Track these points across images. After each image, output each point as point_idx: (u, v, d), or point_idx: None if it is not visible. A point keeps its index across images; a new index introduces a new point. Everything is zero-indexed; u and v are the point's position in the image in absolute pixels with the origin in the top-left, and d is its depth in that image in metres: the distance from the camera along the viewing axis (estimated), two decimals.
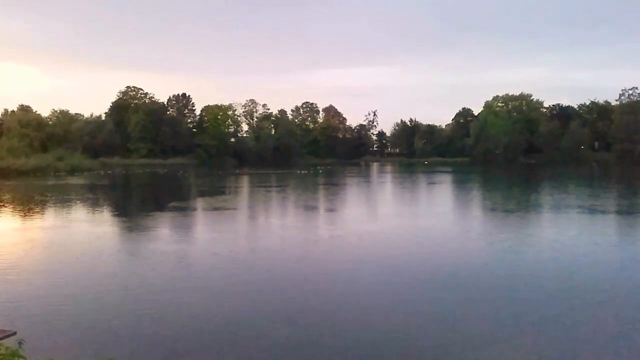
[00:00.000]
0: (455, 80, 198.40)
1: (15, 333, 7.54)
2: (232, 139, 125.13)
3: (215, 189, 44.84)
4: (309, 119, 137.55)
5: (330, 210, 29.13)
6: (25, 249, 17.12)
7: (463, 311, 10.31)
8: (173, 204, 31.30)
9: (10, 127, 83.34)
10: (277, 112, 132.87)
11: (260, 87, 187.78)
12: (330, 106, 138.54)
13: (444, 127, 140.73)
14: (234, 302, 11.08)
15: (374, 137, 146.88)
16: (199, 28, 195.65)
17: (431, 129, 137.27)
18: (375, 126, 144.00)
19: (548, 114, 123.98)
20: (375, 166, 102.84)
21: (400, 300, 11.15)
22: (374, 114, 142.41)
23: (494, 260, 15.16)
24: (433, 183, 51.98)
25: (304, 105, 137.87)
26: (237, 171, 74.70)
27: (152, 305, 10.75)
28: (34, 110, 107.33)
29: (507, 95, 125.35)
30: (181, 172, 73.30)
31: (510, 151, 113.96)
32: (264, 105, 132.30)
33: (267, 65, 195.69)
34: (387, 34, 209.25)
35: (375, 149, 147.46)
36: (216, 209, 28.92)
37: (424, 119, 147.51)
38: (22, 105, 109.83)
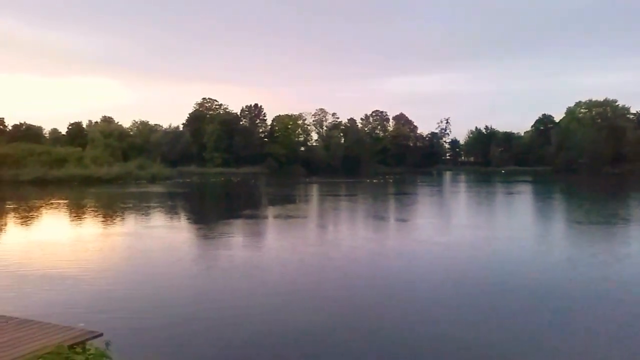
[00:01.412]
0: (534, 86, 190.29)
1: (102, 334, 7.66)
2: (302, 148, 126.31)
3: (286, 197, 44.90)
4: (379, 127, 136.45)
5: (402, 220, 28.07)
6: (109, 253, 17.69)
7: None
8: (246, 211, 31.47)
9: (94, 138, 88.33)
10: (347, 120, 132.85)
11: (330, 96, 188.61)
12: (401, 114, 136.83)
13: (522, 134, 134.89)
14: (307, 311, 10.93)
15: (447, 146, 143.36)
16: (270, 40, 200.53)
17: (508, 137, 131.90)
18: (448, 134, 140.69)
19: (635, 121, 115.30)
20: (448, 175, 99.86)
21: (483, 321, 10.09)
22: (447, 122, 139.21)
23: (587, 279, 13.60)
24: (512, 193, 49.29)
25: (374, 114, 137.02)
26: (307, 180, 74.93)
27: (227, 311, 10.91)
28: (116, 122, 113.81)
29: (590, 100, 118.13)
30: (253, 180, 74.55)
31: (594, 160, 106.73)
32: (333, 114, 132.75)
33: (337, 74, 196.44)
34: (461, 39, 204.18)
35: (448, 157, 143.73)
36: (287, 217, 28.77)
37: (501, 126, 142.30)
38: (105, 116, 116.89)
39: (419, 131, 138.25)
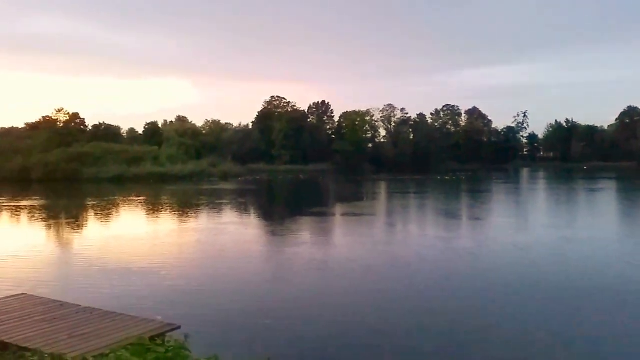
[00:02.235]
0: (618, 76, 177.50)
1: (179, 327, 7.87)
2: (370, 145, 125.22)
3: (353, 194, 44.64)
4: (450, 122, 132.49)
5: (476, 219, 27.03)
6: (184, 248, 18.33)
7: None
8: (314, 209, 31.55)
9: (169, 137, 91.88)
10: (416, 116, 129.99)
11: (399, 91, 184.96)
12: (474, 108, 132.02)
13: (606, 127, 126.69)
14: (375, 311, 10.73)
15: (524, 140, 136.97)
16: (337, 36, 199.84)
17: (591, 130, 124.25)
18: (525, 128, 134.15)
19: None
20: (525, 172, 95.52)
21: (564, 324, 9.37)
22: (524, 115, 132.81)
23: None
24: (595, 191, 46.23)
25: (445, 108, 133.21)
26: (375, 177, 74.25)
27: (298, 305, 10.96)
28: (189, 121, 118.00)
29: None
30: (321, 177, 74.86)
31: None
32: (402, 110, 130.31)
33: (406, 68, 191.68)
34: (539, 27, 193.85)
35: (525, 153, 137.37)
36: (354, 214, 28.55)
37: (582, 119, 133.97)
38: (179, 116, 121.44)
39: (493, 126, 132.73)
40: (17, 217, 28.19)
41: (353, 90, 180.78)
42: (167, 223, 25.81)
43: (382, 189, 53.49)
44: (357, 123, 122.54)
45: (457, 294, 12.01)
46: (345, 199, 40.13)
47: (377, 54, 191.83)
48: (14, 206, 33.01)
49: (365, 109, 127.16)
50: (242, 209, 33.39)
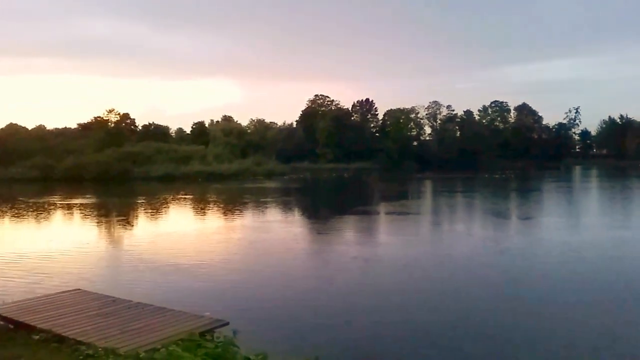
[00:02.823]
0: None
1: (228, 323, 7.98)
2: (415, 143, 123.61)
3: (398, 193, 44.12)
4: (499, 118, 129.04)
5: (525, 218, 26.15)
6: (231, 246, 18.56)
7: None
8: (358, 207, 31.35)
9: (216, 136, 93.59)
10: (463, 112, 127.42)
11: (445, 87, 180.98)
12: (523, 104, 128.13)
13: None
14: (421, 311, 10.49)
15: (576, 137, 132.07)
16: (380, 33, 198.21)
17: None
18: (577, 125, 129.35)
19: None
20: (577, 170, 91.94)
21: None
22: (576, 111, 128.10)
23: None
24: None
25: (493, 105, 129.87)
26: (420, 175, 73.20)
27: (345, 306, 10.83)
28: (235, 120, 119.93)
29: None
30: (364, 176, 74.46)
31: None
32: (448, 107, 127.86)
33: (452, 64, 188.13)
34: (588, 20, 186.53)
35: (577, 150, 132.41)
36: (399, 213, 28.19)
37: (638, 115, 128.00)
38: (225, 115, 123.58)
39: (544, 122, 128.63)
40: (70, 215, 29.32)
41: (397, 88, 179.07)
42: (213, 221, 26.23)
43: (428, 187, 52.66)
44: (401, 121, 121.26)
45: (503, 294, 11.62)
46: (389, 197, 39.72)
47: (421, 50, 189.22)
48: (67, 204, 34.37)
49: (410, 107, 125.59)
50: (287, 207, 33.57)
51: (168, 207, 33.03)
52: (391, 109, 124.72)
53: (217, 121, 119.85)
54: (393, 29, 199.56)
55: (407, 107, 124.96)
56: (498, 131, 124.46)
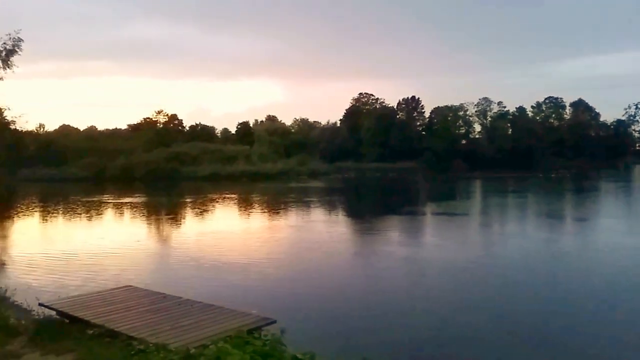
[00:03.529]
0: None
1: (275, 321, 7.91)
2: (463, 141, 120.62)
3: (445, 193, 43.20)
4: (553, 115, 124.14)
5: (580, 219, 25.05)
6: (276, 245, 18.72)
7: None
8: (404, 208, 30.87)
9: (260, 136, 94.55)
10: (515, 109, 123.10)
11: (495, 83, 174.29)
12: (580, 100, 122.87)
13: None
14: (470, 314, 10.16)
15: (636, 135, 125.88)
16: (426, 29, 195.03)
17: None
18: (637, 121, 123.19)
19: None
20: (638, 169, 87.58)
21: None
22: (636, 107, 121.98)
23: None
24: None
25: (547, 101, 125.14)
26: (469, 175, 71.56)
27: (392, 307, 10.70)
28: (279, 120, 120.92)
29: None
30: (410, 175, 73.47)
31: None
32: (499, 103, 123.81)
33: (502, 60, 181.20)
34: None
35: (637, 148, 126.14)
36: (446, 214, 27.54)
37: None
38: (269, 115, 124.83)
39: (601, 119, 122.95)
40: (121, 213, 30.23)
41: (445, 85, 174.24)
42: (259, 220, 26.42)
43: (477, 187, 51.38)
44: (449, 118, 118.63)
45: (551, 297, 11.25)
46: (436, 197, 38.97)
47: (468, 46, 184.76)
48: (118, 203, 35.46)
49: (458, 104, 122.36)
50: (331, 207, 33.45)
51: (214, 206, 33.54)
52: (438, 107, 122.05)
53: (262, 121, 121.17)
54: (437, 25, 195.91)
55: (455, 104, 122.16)
56: (553, 128, 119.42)
